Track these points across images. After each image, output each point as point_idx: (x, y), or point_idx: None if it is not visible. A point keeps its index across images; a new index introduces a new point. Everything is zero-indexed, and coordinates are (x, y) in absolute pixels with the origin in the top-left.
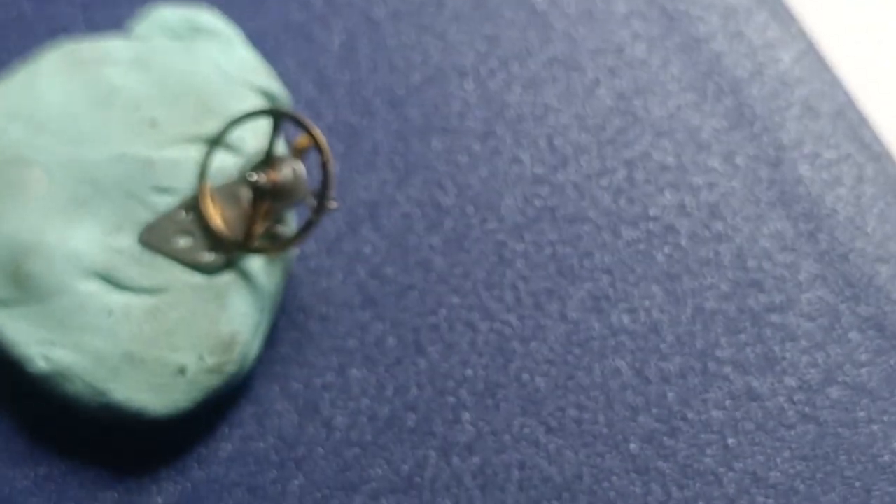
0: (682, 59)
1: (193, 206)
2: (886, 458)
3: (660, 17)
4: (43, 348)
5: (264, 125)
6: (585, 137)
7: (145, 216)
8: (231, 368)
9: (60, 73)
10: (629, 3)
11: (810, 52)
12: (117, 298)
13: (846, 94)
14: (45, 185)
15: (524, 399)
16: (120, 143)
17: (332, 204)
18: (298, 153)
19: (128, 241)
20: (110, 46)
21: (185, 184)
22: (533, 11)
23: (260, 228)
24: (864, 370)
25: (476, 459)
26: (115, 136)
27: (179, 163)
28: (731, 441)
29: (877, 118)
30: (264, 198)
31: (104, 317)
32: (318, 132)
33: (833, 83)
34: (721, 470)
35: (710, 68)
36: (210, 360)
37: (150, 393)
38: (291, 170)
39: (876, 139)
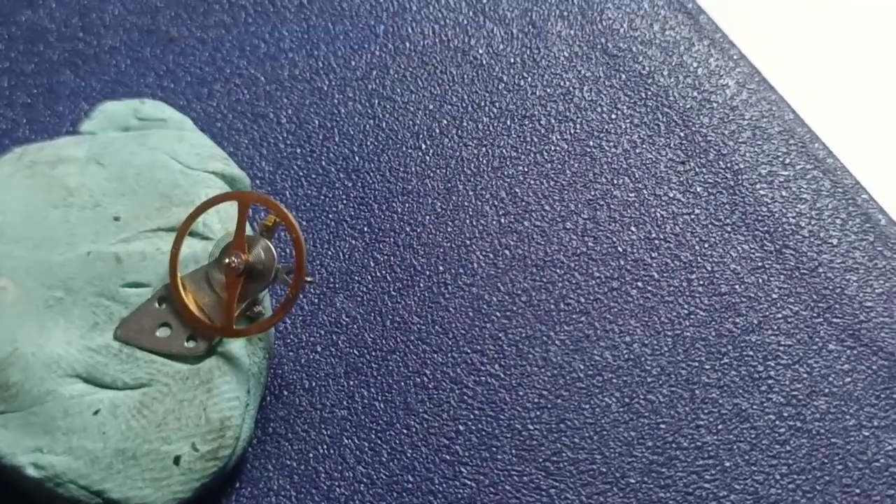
0: (629, 96)
1: (167, 296)
2: (881, 461)
3: (602, 58)
4: (32, 456)
5: (229, 209)
6: (545, 183)
7: (119, 312)
8: (225, 453)
9: (14, 180)
10: (570, 48)
11: (754, 76)
12: (102, 397)
13: (793, 112)
14: (13, 294)
15: (519, 447)
16: (85, 242)
17: (308, 278)
18: (267, 232)
19: (105, 339)
20: (61, 146)
21: (155, 276)
22: (477, 66)
23: (237, 311)
24: (847, 378)
25: None
26: (79, 235)
27: (147, 255)
28: (727, 463)
29: (826, 133)
30: (239, 279)
31: (91, 417)
32: (284, 210)
33: (779, 103)
34: (722, 493)
35: (658, 102)
36: (203, 448)
37: (148, 488)
38: (262, 248)
39: (828, 153)
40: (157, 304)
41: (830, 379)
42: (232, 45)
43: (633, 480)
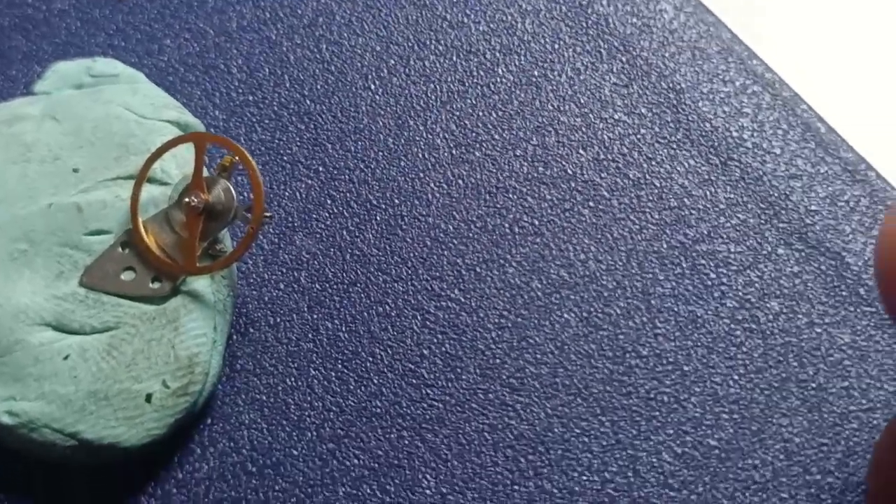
0: (570, 26)
1: (129, 241)
2: (835, 356)
3: None
4: (5, 404)
5: (185, 154)
6: (493, 114)
7: (84, 260)
8: (195, 389)
9: None
10: None
11: (690, 0)
12: (71, 342)
13: (730, 31)
14: None
15: (483, 366)
16: (46, 194)
17: (267, 214)
18: (224, 171)
19: (71, 286)
20: (16, 106)
21: (116, 222)
22: (420, 6)
23: (199, 250)
24: (797, 280)
25: (447, 431)
26: (39, 189)
27: (108, 203)
28: (686, 368)
29: (763, 48)
30: (200, 218)
31: (61, 362)
32: (240, 147)
33: (716, 24)
34: (683, 396)
35: (599, 31)
36: (174, 385)
37: (121, 426)
38: (221, 188)
39: (766, 68)
40: (120, 249)
41: (781, 281)
42: (180, 1)
43: (595, 390)
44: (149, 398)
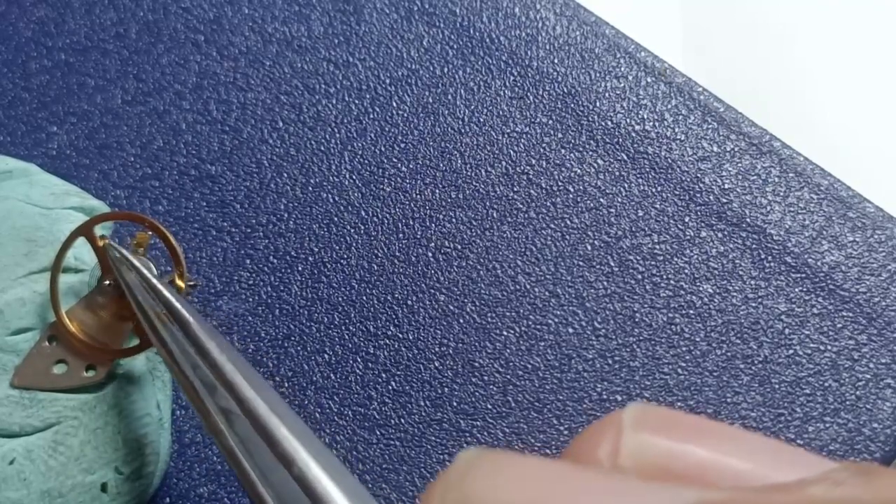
0: (455, 48)
1: (56, 334)
2: (776, 326)
3: (421, 18)
4: None
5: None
6: (396, 147)
7: (12, 361)
8: (149, 469)
9: None
10: (388, 16)
11: (569, 4)
12: (14, 446)
13: (613, 27)
14: None
15: (433, 397)
16: None
17: (191, 282)
18: (140, 248)
19: (3, 390)
20: None
21: (38, 317)
22: (303, 51)
23: (128, 329)
24: (724, 259)
25: (408, 467)
26: None
27: (26, 300)
28: (633, 364)
29: (648, 40)
30: (123, 299)
31: (8, 468)
32: (150, 219)
33: (598, 23)
34: (636, 392)
35: (484, 48)
36: (127, 470)
37: None
38: (140, 265)
39: (655, 58)
40: (46, 344)
41: (709, 263)
42: (59, 86)
43: (548, 401)
44: (104, 488)
